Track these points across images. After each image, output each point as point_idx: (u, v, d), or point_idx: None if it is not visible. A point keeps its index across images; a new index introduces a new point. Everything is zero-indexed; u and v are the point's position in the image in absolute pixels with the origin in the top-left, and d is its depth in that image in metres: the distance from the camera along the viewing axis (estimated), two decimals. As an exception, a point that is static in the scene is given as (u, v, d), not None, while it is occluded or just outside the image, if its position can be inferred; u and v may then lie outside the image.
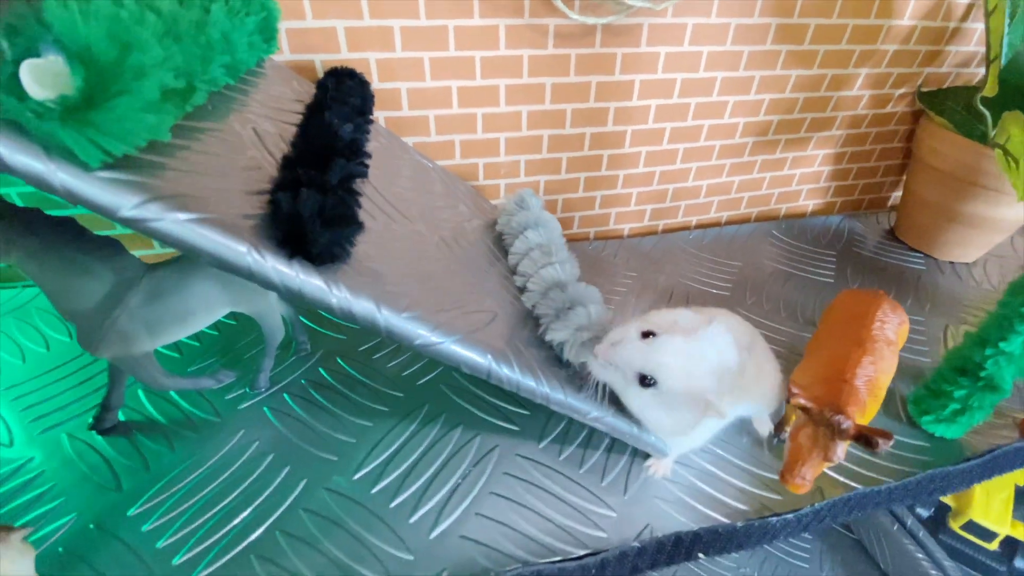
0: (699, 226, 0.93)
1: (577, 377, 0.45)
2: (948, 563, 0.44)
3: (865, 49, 0.79)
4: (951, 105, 0.81)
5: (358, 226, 0.33)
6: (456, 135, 0.70)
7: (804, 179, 0.93)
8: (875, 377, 0.43)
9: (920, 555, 0.46)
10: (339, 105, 0.45)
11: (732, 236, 0.90)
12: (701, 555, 0.47)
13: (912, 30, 0.79)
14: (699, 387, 0.36)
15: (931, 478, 0.52)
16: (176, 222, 0.27)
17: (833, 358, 0.45)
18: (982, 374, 0.50)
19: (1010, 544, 0.73)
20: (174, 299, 0.41)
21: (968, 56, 0.86)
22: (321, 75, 0.59)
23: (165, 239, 0.27)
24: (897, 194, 1.03)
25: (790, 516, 0.48)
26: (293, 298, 0.31)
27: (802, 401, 0.39)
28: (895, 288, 0.81)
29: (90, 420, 0.48)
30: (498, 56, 0.65)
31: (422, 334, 0.35)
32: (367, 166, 0.41)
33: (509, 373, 0.39)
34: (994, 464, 0.54)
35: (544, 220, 0.62)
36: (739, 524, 0.47)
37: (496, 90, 0.68)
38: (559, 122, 0.73)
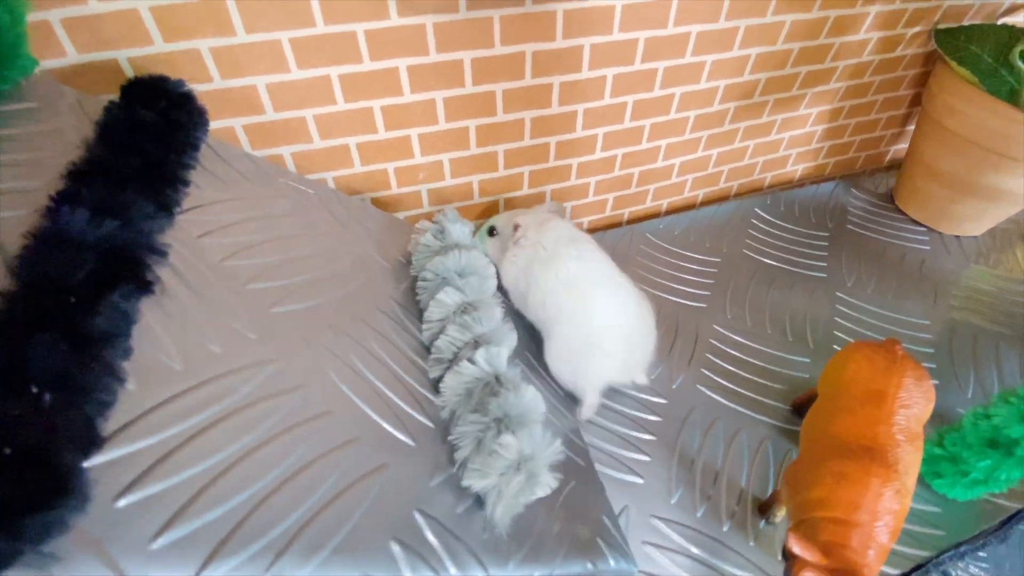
0: (671, 210, 0.78)
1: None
2: None
3: (878, -20, 0.61)
4: (974, 50, 0.65)
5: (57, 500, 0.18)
6: (349, 137, 0.53)
7: (794, 142, 0.78)
8: (899, 510, 0.33)
9: None
10: (100, 181, 0.28)
11: (709, 220, 0.76)
12: None
13: (938, -50, 0.61)
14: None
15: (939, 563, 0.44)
16: None
17: (843, 479, 0.34)
18: (1018, 451, 0.40)
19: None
20: None
21: (999, -20, 0.69)
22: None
23: None
24: (897, 148, 0.89)
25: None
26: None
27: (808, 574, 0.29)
28: (896, 277, 0.70)
29: None
30: (391, 28, 0.47)
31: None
32: (143, 286, 0.26)
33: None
34: (1011, 532, 0.46)
35: (475, 265, 0.47)
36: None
37: (395, 74, 0.50)
38: (487, 108, 0.56)
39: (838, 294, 0.67)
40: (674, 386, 0.56)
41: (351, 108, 0.51)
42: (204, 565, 0.22)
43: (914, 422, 0.37)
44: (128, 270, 0.26)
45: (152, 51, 0.42)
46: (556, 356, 0.50)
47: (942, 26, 0.69)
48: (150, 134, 0.33)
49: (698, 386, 0.56)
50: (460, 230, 0.50)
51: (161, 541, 0.22)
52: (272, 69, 0.46)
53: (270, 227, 0.40)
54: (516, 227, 0.51)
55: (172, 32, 0.42)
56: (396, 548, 0.28)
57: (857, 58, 0.70)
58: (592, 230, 0.74)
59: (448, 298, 0.43)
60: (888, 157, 0.90)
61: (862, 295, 0.67)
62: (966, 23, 0.69)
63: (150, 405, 0.25)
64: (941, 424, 0.50)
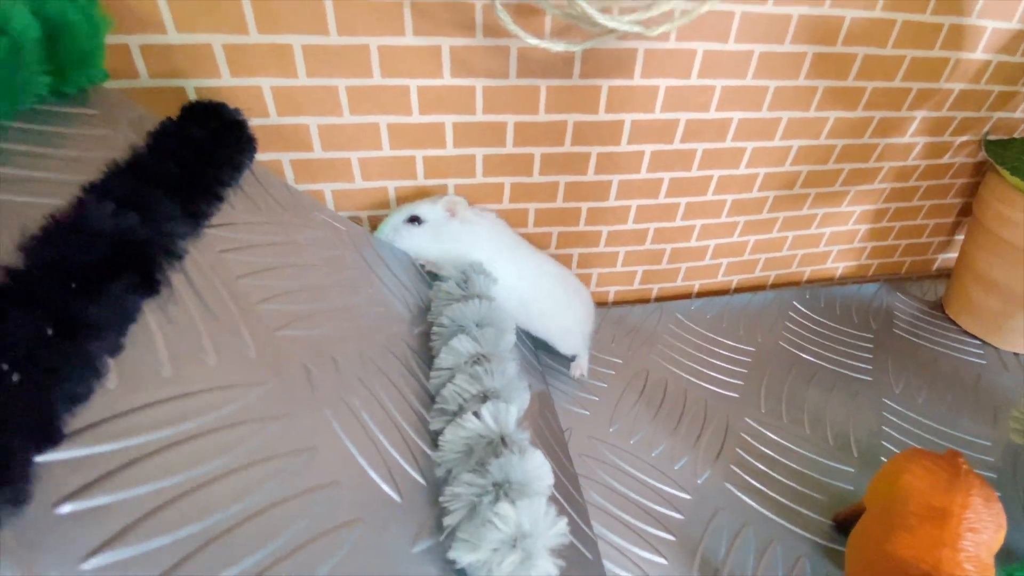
0: (703, 292, 0.76)
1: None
2: None
3: (924, 88, 0.62)
4: (1029, 161, 0.63)
5: None
6: (389, 181, 0.54)
7: (835, 239, 0.76)
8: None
9: None
10: (131, 178, 0.28)
11: (743, 307, 0.73)
12: None
13: (985, 66, 0.62)
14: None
15: None
16: None
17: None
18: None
19: None
20: None
21: (1050, 99, 0.69)
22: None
23: None
24: (945, 256, 0.86)
25: None
26: None
27: None
28: (951, 390, 0.64)
29: None
30: (442, 86, 0.49)
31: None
32: (148, 284, 0.25)
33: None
34: None
35: (494, 317, 0.45)
36: None
37: (440, 129, 0.52)
38: (524, 168, 0.56)
39: (885, 400, 0.62)
40: (699, 481, 0.51)
41: (395, 155, 0.52)
42: (132, 600, 0.19)
43: (984, 551, 0.31)
44: (137, 264, 0.25)
45: (218, 84, 0.45)
46: (565, 330, 0.57)
47: (992, 137, 0.68)
48: (194, 148, 0.34)
49: (726, 484, 0.51)
50: (484, 281, 0.49)
51: (95, 562, 0.19)
52: (326, 112, 0.48)
53: (293, 254, 0.40)
54: (453, 213, 0.51)
55: (239, 68, 0.44)
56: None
57: (903, 161, 0.69)
58: (618, 302, 0.72)
59: (461, 346, 0.41)
60: (936, 265, 0.87)
61: (912, 405, 0.61)
62: (1017, 136, 0.69)
63: (126, 408, 0.23)
64: (1007, 562, 0.42)
